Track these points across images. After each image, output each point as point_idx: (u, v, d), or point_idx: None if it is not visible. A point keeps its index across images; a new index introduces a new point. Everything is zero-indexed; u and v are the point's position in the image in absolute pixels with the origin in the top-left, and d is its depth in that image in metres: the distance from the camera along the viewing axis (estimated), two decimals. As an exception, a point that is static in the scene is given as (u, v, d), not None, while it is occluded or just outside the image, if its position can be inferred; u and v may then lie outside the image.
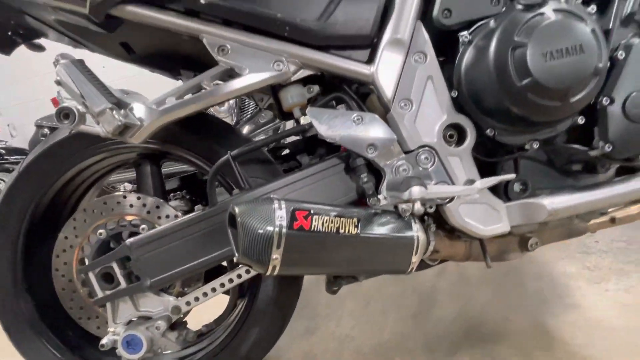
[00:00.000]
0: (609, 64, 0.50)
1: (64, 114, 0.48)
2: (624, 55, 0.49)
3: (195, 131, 0.63)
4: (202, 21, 0.55)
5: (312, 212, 0.46)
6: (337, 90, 0.59)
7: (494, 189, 0.57)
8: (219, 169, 0.57)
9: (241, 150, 0.58)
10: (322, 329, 0.83)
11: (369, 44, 0.55)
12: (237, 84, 0.54)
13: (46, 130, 1.92)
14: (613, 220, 0.63)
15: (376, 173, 0.56)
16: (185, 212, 0.77)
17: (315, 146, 0.68)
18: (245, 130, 2.09)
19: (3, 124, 2.90)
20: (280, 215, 0.44)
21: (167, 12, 0.54)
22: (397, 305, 0.88)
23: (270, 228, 0.43)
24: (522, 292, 0.85)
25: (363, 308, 0.87)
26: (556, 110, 0.48)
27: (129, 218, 0.62)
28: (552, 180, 0.57)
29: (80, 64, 0.50)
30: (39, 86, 3.49)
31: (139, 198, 0.62)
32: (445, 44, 0.56)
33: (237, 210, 0.44)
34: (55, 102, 2.49)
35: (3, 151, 2.66)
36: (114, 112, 0.47)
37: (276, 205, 0.45)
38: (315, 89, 0.60)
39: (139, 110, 0.50)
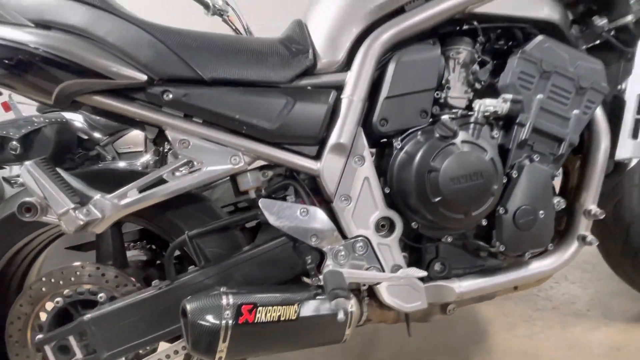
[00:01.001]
0: (506, 180, 0.62)
1: (26, 207, 0.52)
2: (517, 174, 0.62)
3: (156, 204, 0.68)
4: (166, 114, 0.60)
5: (257, 304, 0.53)
6: (289, 177, 0.66)
7: (416, 263, 0.68)
8: (175, 248, 0.63)
9: (199, 231, 0.63)
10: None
11: (317, 142, 0.64)
12: (196, 177, 0.60)
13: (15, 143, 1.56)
14: (516, 288, 0.76)
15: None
16: (145, 263, 0.82)
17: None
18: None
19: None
20: (227, 312, 0.51)
21: (132, 104, 0.59)
22: (341, 346, 0.97)
23: (217, 323, 0.50)
24: (451, 335, 0.98)
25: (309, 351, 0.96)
26: (461, 221, 0.59)
27: (86, 287, 0.66)
28: (466, 261, 0.69)
29: (43, 163, 0.53)
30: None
31: (97, 268, 0.65)
32: (383, 146, 0.66)
33: (188, 307, 0.50)
34: (5, 106, 2.34)
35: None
36: (76, 212, 0.51)
37: (224, 301, 0.52)
38: (270, 173, 0.68)
39: (100, 205, 0.55)
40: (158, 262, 0.82)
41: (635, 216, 0.83)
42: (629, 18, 0.64)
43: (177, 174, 0.60)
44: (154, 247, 0.87)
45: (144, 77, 0.57)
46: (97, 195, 0.55)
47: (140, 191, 0.58)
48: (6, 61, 0.53)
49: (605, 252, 0.91)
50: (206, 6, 2.02)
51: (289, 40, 0.67)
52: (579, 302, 1.04)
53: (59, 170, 0.56)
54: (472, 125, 0.59)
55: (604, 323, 0.94)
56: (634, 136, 0.65)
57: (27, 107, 2.30)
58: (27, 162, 0.52)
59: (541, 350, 0.87)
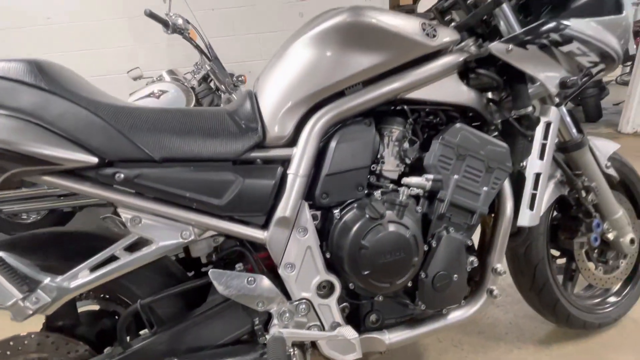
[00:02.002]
0: (427, 247, 0.73)
1: (-28, 296, 0.53)
2: (435, 244, 0.72)
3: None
4: (118, 192, 0.63)
5: (204, 374, 0.59)
6: (239, 244, 0.72)
7: (355, 320, 0.77)
8: (127, 318, 0.66)
9: (152, 299, 0.67)
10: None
11: (265, 214, 0.69)
12: (148, 253, 0.63)
13: None
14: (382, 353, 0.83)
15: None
16: (97, 314, 0.83)
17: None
18: None
19: None
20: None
21: (84, 183, 0.61)
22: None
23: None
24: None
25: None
26: (388, 288, 0.69)
27: (35, 355, 0.67)
28: (397, 312, 0.78)
29: (2, 259, 0.54)
30: None
31: (47, 337, 0.67)
32: (327, 211, 0.73)
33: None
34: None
35: None
36: (25, 301, 0.53)
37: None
38: (220, 239, 0.73)
39: (49, 289, 0.57)
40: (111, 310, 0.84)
41: (540, 258, 0.99)
42: (530, 109, 0.77)
43: (128, 250, 0.63)
44: (107, 296, 0.89)
45: (95, 160, 0.59)
46: (46, 280, 0.57)
47: (92, 270, 0.61)
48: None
49: (518, 286, 1.07)
50: (165, 24, 2.00)
51: (239, 114, 0.72)
52: (499, 326, 1.20)
53: (6, 255, 0.57)
54: (397, 207, 0.68)
55: (516, 346, 1.10)
56: (531, 208, 0.79)
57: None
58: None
59: (465, 375, 1.01)
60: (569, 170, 0.93)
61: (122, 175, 0.61)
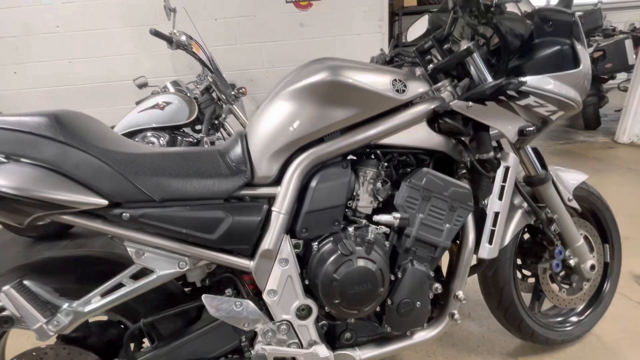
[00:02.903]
0: (394, 277, 0.83)
1: (4, 319, 0.64)
2: (401, 275, 0.82)
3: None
4: (124, 228, 0.73)
5: (196, 386, 0.70)
6: (229, 272, 0.82)
7: (332, 336, 0.87)
8: (131, 335, 0.77)
9: (154, 318, 0.78)
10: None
11: (251, 245, 0.79)
12: (150, 282, 0.74)
13: None
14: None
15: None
16: (105, 325, 0.94)
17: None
18: None
19: None
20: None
21: (96, 221, 0.71)
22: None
23: (164, 407, 0.66)
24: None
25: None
26: (357, 314, 0.79)
27: (53, 364, 0.78)
28: (369, 331, 0.88)
29: (17, 284, 0.65)
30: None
31: (64, 348, 0.78)
32: (306, 246, 0.83)
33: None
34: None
35: None
36: (48, 325, 0.64)
37: (170, 388, 0.67)
38: (213, 266, 0.83)
39: (67, 313, 0.68)
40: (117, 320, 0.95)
41: (507, 282, 1.08)
42: (491, 154, 0.86)
43: (132, 279, 0.74)
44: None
45: (105, 202, 0.69)
46: (64, 305, 0.68)
47: (102, 295, 0.72)
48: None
49: (488, 304, 1.16)
50: (170, 41, 2.09)
51: (230, 156, 0.81)
52: (473, 339, 1.30)
53: (30, 283, 0.68)
54: (366, 244, 0.77)
55: (485, 358, 1.20)
56: (490, 242, 0.88)
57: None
58: (4, 288, 0.64)
59: (435, 384, 1.11)
60: (533, 203, 1.02)
61: (127, 215, 0.71)
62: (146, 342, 0.90)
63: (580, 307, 1.25)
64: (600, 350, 1.21)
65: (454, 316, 0.90)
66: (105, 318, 0.95)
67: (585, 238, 1.18)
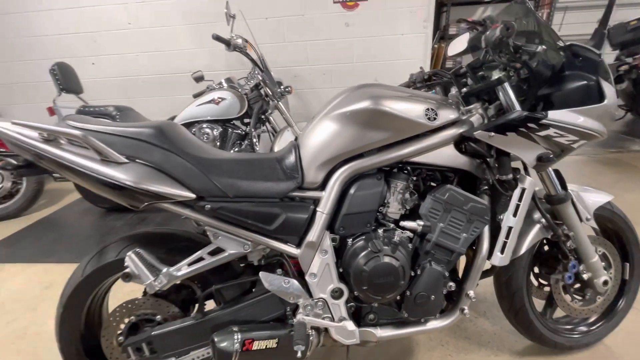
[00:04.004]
0: (414, 274, 0.99)
1: (125, 274, 0.90)
2: (420, 272, 0.98)
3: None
4: (206, 216, 0.96)
5: (254, 339, 0.93)
6: (280, 256, 1.03)
7: (358, 316, 1.06)
8: (206, 296, 1.01)
9: (222, 285, 1.01)
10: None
11: (299, 237, 0.99)
12: (222, 258, 0.97)
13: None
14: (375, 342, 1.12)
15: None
16: (178, 288, 1.20)
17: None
18: None
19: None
20: (237, 344, 0.90)
21: (186, 209, 0.95)
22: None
23: (231, 350, 0.89)
24: (386, 351, 1.38)
25: None
26: (380, 300, 0.97)
27: (148, 311, 1.05)
28: (389, 316, 1.06)
29: (135, 252, 0.91)
30: (22, 70, 3.56)
31: (156, 300, 1.05)
32: (342, 241, 1.02)
33: (215, 340, 0.90)
34: (50, 110, 2.69)
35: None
36: (155, 282, 0.89)
37: (235, 337, 0.91)
38: (268, 250, 1.04)
39: (166, 275, 0.93)
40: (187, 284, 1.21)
41: (519, 288, 1.20)
42: (510, 176, 0.98)
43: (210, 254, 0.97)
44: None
45: (194, 196, 0.92)
46: (164, 269, 0.93)
47: (189, 265, 0.96)
48: (110, 189, 0.88)
49: (501, 306, 1.29)
50: (228, 44, 2.32)
51: (285, 163, 1.00)
52: (485, 335, 1.43)
53: (141, 250, 0.93)
54: (392, 245, 0.94)
55: (494, 353, 1.34)
56: (501, 252, 1.00)
57: (70, 111, 2.66)
58: (129, 253, 0.90)
59: (444, 368, 1.28)
60: (551, 220, 1.12)
61: (209, 207, 0.93)
62: (206, 306, 1.16)
63: (593, 319, 1.33)
64: (607, 358, 1.29)
65: (463, 311, 1.05)
66: (178, 282, 1.22)
67: (604, 255, 1.25)
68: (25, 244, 2.49)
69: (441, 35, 4.49)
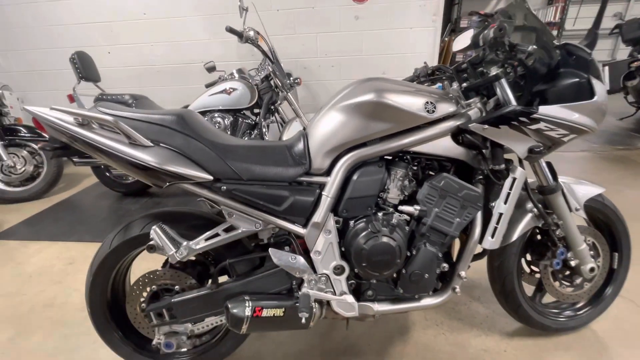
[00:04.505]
0: (409, 253, 1.08)
1: (150, 246, 1.01)
2: (416, 252, 1.07)
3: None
4: (222, 196, 1.05)
5: (263, 307, 1.03)
6: (288, 235, 1.13)
7: (358, 292, 1.16)
8: (220, 269, 1.12)
9: (235, 260, 1.12)
10: (268, 338, 1.44)
11: (306, 217, 1.09)
12: (236, 234, 1.07)
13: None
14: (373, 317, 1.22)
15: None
16: (193, 262, 1.32)
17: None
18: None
19: (13, 99, 3.17)
20: (248, 310, 1.01)
21: (204, 190, 1.04)
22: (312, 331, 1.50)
23: (243, 316, 1.00)
24: (384, 327, 1.48)
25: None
26: (378, 277, 1.06)
27: (167, 281, 1.17)
28: (387, 292, 1.15)
29: (159, 225, 1.02)
30: (41, 58, 3.69)
31: (175, 271, 1.16)
32: (345, 222, 1.11)
33: (229, 306, 1.00)
34: (70, 98, 2.81)
35: (20, 128, 3.00)
36: (176, 253, 1.00)
37: (247, 304, 1.02)
38: (277, 229, 1.14)
39: (185, 248, 1.03)
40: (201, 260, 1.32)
41: (509, 272, 1.28)
42: (502, 166, 1.05)
43: (225, 230, 1.08)
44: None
45: (211, 178, 1.02)
46: (184, 243, 1.04)
47: (206, 240, 1.06)
48: (137, 170, 0.98)
49: (493, 289, 1.37)
50: (240, 36, 2.40)
51: (295, 150, 1.09)
52: (478, 317, 1.52)
53: (165, 226, 1.04)
54: (390, 226, 1.03)
55: (485, 333, 1.43)
56: (492, 236, 1.08)
57: (88, 98, 2.78)
58: (154, 227, 1.01)
59: (437, 344, 1.37)
60: (542, 209, 1.19)
61: (225, 188, 1.03)
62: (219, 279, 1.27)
63: (580, 304, 1.41)
64: (591, 342, 1.37)
65: (455, 289, 1.14)
66: (193, 259, 1.33)
67: (593, 245, 1.32)
68: (46, 224, 2.64)
69: (452, 28, 4.49)
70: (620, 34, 3.91)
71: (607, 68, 3.86)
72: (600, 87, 1.02)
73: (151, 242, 1.02)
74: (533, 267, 1.40)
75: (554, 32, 5.66)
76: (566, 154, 3.66)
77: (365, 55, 3.34)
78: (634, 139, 4.06)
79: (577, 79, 1.02)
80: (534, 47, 0.94)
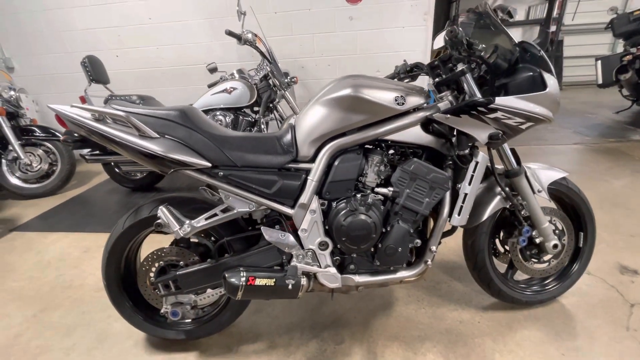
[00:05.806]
0: (384, 230, 1.22)
1: (157, 224, 1.17)
2: (390, 229, 1.21)
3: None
4: (219, 181, 1.21)
5: (256, 277, 1.18)
6: (278, 215, 1.28)
7: (341, 266, 1.31)
8: (219, 246, 1.27)
9: (232, 237, 1.27)
10: (264, 312, 1.59)
11: (293, 199, 1.23)
12: (232, 214, 1.22)
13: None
14: (401, 282, 1.38)
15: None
16: (197, 243, 1.48)
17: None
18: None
19: (28, 101, 3.37)
20: (242, 279, 1.16)
21: (203, 175, 1.19)
22: (302, 302, 1.64)
23: (238, 284, 1.16)
24: (369, 302, 1.62)
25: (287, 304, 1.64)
26: (357, 250, 1.20)
27: (173, 258, 1.32)
28: (367, 266, 1.30)
29: (166, 204, 1.17)
30: (54, 62, 3.89)
31: (180, 249, 1.31)
32: (328, 204, 1.25)
33: (226, 275, 1.16)
34: (82, 99, 2.99)
35: (35, 128, 3.20)
36: (180, 230, 1.16)
37: (242, 274, 1.17)
38: (268, 211, 1.29)
39: (188, 225, 1.19)
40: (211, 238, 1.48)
41: (481, 250, 1.41)
42: (467, 151, 1.18)
43: (222, 210, 1.23)
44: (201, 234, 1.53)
45: (209, 165, 1.17)
46: (187, 221, 1.19)
47: (206, 219, 1.22)
48: (146, 158, 1.14)
49: (467, 266, 1.50)
50: (239, 39, 2.55)
51: (283, 141, 1.24)
52: (456, 294, 1.65)
53: (170, 207, 1.20)
54: (366, 205, 1.17)
55: (462, 307, 1.56)
56: (458, 214, 1.22)
57: (99, 100, 2.96)
58: (161, 206, 1.16)
59: (417, 317, 1.51)
60: (508, 191, 1.32)
61: (221, 173, 1.18)
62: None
63: (549, 280, 1.53)
64: (558, 314, 1.49)
65: (427, 262, 1.28)
66: (196, 240, 1.49)
67: (559, 224, 1.45)
68: (62, 217, 2.83)
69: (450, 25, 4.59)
70: (611, 28, 3.98)
71: (599, 62, 3.95)
72: (551, 80, 1.15)
73: (158, 220, 1.18)
74: (506, 247, 1.53)
75: (553, 27, 5.73)
76: (558, 147, 3.75)
77: (360, 54, 3.48)
78: (627, 132, 4.14)
79: (531, 73, 1.15)
80: (484, 45, 1.07)
